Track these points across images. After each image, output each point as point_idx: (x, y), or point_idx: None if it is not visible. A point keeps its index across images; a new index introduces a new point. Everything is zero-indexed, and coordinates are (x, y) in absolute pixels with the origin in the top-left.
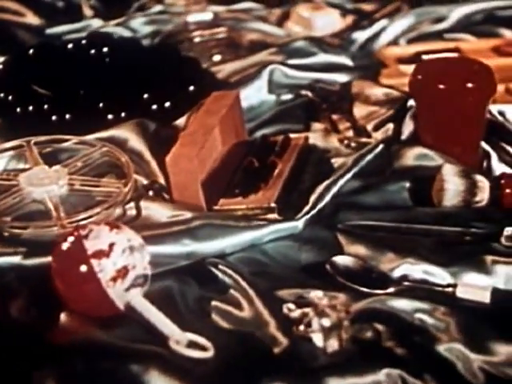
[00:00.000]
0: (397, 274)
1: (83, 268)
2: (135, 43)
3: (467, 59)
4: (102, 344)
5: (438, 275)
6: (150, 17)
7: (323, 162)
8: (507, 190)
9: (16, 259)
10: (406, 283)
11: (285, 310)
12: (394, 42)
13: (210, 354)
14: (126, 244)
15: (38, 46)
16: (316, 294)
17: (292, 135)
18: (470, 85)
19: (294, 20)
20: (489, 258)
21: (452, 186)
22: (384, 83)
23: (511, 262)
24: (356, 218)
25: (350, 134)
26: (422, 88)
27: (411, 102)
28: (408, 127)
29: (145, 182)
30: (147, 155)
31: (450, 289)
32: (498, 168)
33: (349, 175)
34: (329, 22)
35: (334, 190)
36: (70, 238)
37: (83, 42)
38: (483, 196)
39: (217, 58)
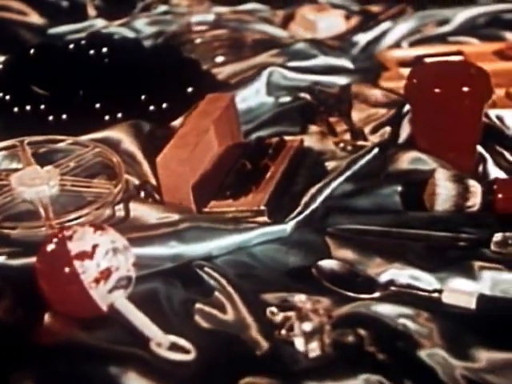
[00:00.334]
0: (383, 278)
1: (66, 269)
2: (136, 44)
3: (463, 63)
4: (83, 345)
5: (425, 280)
6: (154, 17)
7: (318, 164)
8: (500, 196)
9: (1, 259)
10: (392, 288)
11: (268, 314)
12: (397, 45)
13: (191, 356)
14: (110, 246)
15: (38, 46)
16: (299, 298)
17: (287, 138)
18: (465, 88)
19: (297, 22)
20: (476, 264)
21: (444, 190)
22: (384, 86)
23: (498, 268)
24: (346, 221)
25: (347, 136)
26: (417, 92)
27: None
28: (405, 131)
29: (137, 183)
30: (140, 156)
31: (435, 294)
32: (494, 173)
33: (341, 178)
34: (333, 24)
35: (326, 193)
36: (55, 239)
37: (82, 42)
38: (475, 201)
39: (220, 59)
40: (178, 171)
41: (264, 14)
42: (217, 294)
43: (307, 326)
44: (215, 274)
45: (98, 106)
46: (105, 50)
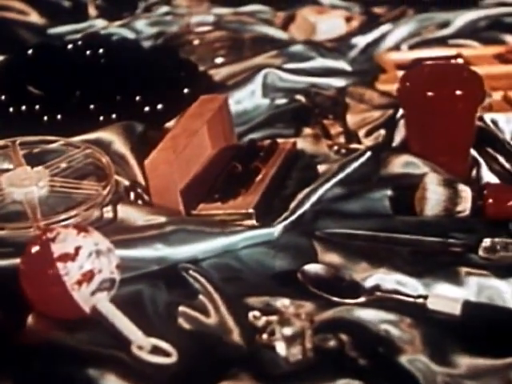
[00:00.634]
0: (369, 283)
1: (49, 271)
2: (133, 45)
3: (456, 66)
4: (64, 347)
5: (411, 286)
6: (154, 18)
7: (310, 167)
8: (490, 201)
9: None
10: (378, 293)
11: (250, 318)
12: (396, 48)
13: (172, 359)
14: (93, 248)
15: (37, 46)
16: (282, 302)
17: (280, 140)
18: (459, 92)
19: (298, 23)
20: (463, 270)
21: (433, 195)
22: (380, 89)
23: (485, 274)
24: (335, 225)
25: (341, 139)
26: (410, 95)
27: None
28: (400, 134)
29: (127, 184)
30: (130, 158)
31: (421, 300)
32: (488, 177)
33: (332, 182)
34: (333, 26)
35: (315, 196)
36: (38, 241)
37: (79, 43)
38: (466, 206)
39: (219, 60)
40: (166, 173)
41: (265, 16)
42: (201, 297)
43: (288, 331)
44: (199, 277)
45: (92, 106)
46: (101, 50)
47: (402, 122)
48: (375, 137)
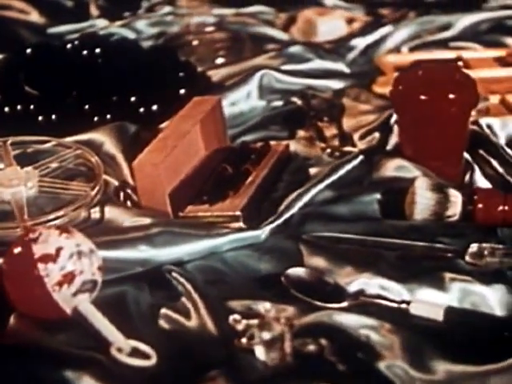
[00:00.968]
0: (353, 288)
1: (30, 272)
2: (130, 45)
3: (449, 69)
4: (44, 348)
5: (395, 291)
6: (155, 18)
7: (302, 170)
8: (479, 206)
9: None
10: (360, 298)
11: (231, 321)
12: (397, 50)
13: (151, 362)
14: (75, 249)
15: (35, 46)
16: (264, 306)
17: (272, 143)
18: (452, 95)
19: (299, 25)
20: (448, 275)
21: (423, 199)
22: (377, 91)
23: (469, 280)
24: (323, 228)
25: (336, 142)
26: (403, 99)
27: None
28: (395, 137)
29: (116, 185)
30: (121, 159)
31: (404, 305)
32: (481, 182)
33: (322, 185)
34: (334, 27)
35: (304, 199)
36: (21, 241)
37: (75, 43)
38: (455, 211)
39: (220, 60)
40: (153, 175)
41: (266, 17)
42: (183, 299)
43: (266, 335)
44: (182, 280)
45: (87, 107)
46: (98, 50)
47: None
48: (369, 140)
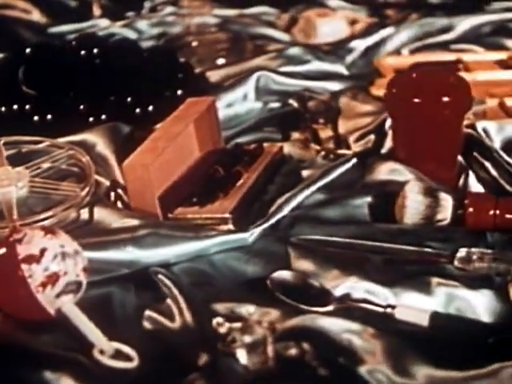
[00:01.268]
0: (339, 291)
1: (14, 272)
2: (130, 45)
3: (443, 72)
4: (26, 349)
5: (381, 295)
6: (157, 19)
7: (295, 173)
8: (470, 210)
9: None
10: (346, 302)
11: (214, 324)
12: (397, 52)
13: (132, 364)
14: (59, 250)
15: (35, 46)
16: (247, 309)
17: (266, 144)
18: (445, 98)
19: (301, 26)
20: (434, 280)
21: (413, 203)
22: (374, 94)
23: (456, 285)
24: (312, 231)
25: (331, 145)
26: (396, 102)
27: None
28: (390, 140)
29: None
30: (112, 160)
31: (389, 310)
32: (475, 186)
33: (313, 188)
34: (335, 29)
35: (295, 202)
36: (5, 242)
37: (73, 43)
38: (446, 215)
39: (221, 61)
40: (143, 176)
41: (269, 18)
42: (168, 301)
43: (248, 339)
44: (168, 282)
45: (82, 107)
46: (96, 50)
47: None
48: (365, 142)
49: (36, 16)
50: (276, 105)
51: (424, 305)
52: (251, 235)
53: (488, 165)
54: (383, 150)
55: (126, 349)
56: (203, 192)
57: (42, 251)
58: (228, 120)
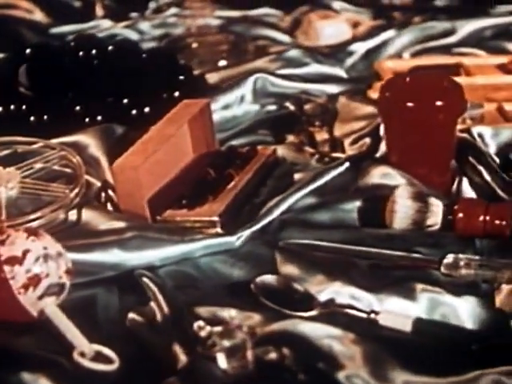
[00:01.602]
0: (323, 296)
1: None
2: (129, 46)
3: (436, 76)
4: (6, 350)
5: (365, 300)
6: (160, 20)
7: (287, 176)
8: (460, 215)
9: None
10: (330, 307)
11: (195, 328)
12: (398, 55)
13: (112, 367)
14: (41, 252)
15: (34, 46)
16: (229, 313)
17: (260, 147)
18: (439, 102)
19: (303, 28)
20: (419, 286)
21: (402, 208)
22: (372, 97)
23: (440, 291)
24: (300, 235)
25: (326, 148)
26: (389, 106)
27: None
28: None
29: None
30: (104, 162)
31: (372, 315)
32: (469, 191)
33: (304, 191)
34: (338, 31)
35: (285, 206)
36: None
37: (71, 43)
38: (436, 220)
39: (223, 63)
40: (132, 178)
41: (272, 19)
42: (151, 304)
43: (227, 343)
44: (151, 284)
45: (78, 108)
46: (94, 52)
47: None
48: (360, 146)
49: (38, 16)
50: (273, 107)
51: (408, 311)
52: (238, 239)
53: (482, 169)
54: (378, 154)
55: (107, 351)
56: (193, 194)
57: (25, 253)
58: (225, 122)
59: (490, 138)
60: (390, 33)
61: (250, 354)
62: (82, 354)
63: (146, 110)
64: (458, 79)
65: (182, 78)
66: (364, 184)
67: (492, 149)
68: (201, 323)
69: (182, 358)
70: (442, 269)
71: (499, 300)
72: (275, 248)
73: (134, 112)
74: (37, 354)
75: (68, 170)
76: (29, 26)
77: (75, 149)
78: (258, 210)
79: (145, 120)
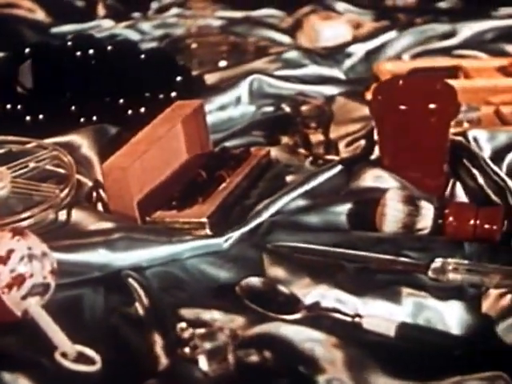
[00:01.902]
0: (309, 299)
1: None
2: (128, 46)
3: (430, 78)
4: None
5: (350, 304)
6: (162, 20)
7: (280, 178)
8: (450, 219)
9: None
10: (315, 310)
11: (178, 330)
12: (398, 57)
13: (94, 368)
14: (26, 252)
15: (34, 46)
16: (212, 315)
17: (253, 148)
18: (432, 105)
19: (304, 29)
20: (405, 290)
21: (392, 211)
22: (369, 99)
23: (426, 295)
24: (289, 238)
25: (320, 150)
26: (382, 109)
27: None
28: None
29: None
30: (96, 162)
31: (357, 319)
32: (463, 194)
33: (295, 193)
34: (338, 33)
35: (275, 208)
36: None
37: (69, 43)
38: (426, 224)
39: (223, 63)
40: (121, 179)
41: (273, 21)
42: (136, 305)
43: (208, 345)
44: (137, 285)
45: (73, 108)
46: (91, 52)
47: None
48: (354, 148)
49: (40, 15)
50: (269, 109)
51: (393, 315)
52: (227, 240)
53: (476, 173)
54: (372, 157)
55: (90, 352)
56: (183, 196)
57: (9, 253)
58: (221, 123)
59: (485, 142)
60: (390, 34)
61: (231, 357)
62: (64, 355)
63: (142, 110)
64: (456, 82)
65: (179, 78)
66: (356, 187)
67: (487, 152)
68: (183, 325)
69: (163, 359)
70: (430, 273)
71: (486, 305)
72: (263, 250)
73: (129, 112)
74: (18, 354)
75: (60, 170)
76: (29, 26)
77: (68, 149)
78: (248, 212)
79: (140, 120)
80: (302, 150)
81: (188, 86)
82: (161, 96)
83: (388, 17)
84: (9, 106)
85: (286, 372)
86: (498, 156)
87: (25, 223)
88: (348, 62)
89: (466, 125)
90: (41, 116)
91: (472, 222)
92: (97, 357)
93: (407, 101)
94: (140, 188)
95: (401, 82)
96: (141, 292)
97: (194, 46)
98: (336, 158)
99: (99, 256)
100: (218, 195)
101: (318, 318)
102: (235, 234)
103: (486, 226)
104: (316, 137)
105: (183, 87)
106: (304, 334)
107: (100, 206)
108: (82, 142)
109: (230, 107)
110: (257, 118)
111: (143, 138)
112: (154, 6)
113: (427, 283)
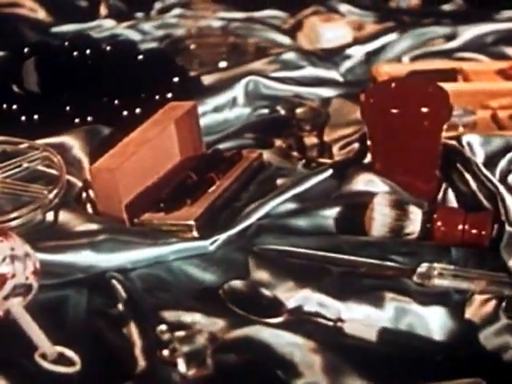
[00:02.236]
0: (291, 303)
1: None
2: (126, 47)
3: (422, 82)
4: None
5: (333, 308)
6: (163, 20)
7: (271, 181)
8: (438, 224)
9: None
10: (297, 314)
11: (158, 332)
12: (398, 59)
13: (73, 369)
14: (8, 252)
15: (33, 45)
16: (193, 318)
17: (245, 151)
18: (424, 109)
19: (305, 31)
20: (388, 295)
21: (380, 215)
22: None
23: (409, 300)
24: (276, 241)
25: (314, 153)
26: (374, 112)
27: None
28: None
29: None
30: (86, 163)
31: (338, 323)
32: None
33: (284, 197)
34: (339, 34)
35: (263, 211)
36: None
37: (66, 43)
38: (414, 228)
39: (223, 64)
40: (109, 180)
41: (275, 22)
42: (119, 306)
43: (186, 348)
44: (120, 287)
45: (68, 108)
46: (88, 52)
47: None
48: (348, 151)
49: (42, 15)
50: (265, 110)
51: (375, 319)
52: (212, 243)
53: (469, 178)
54: (365, 160)
55: (70, 353)
56: (171, 198)
57: None
58: (216, 125)
59: (478, 147)
60: (390, 37)
61: (210, 360)
62: (43, 356)
63: (137, 111)
64: (454, 85)
65: (176, 79)
66: (347, 190)
67: (480, 157)
68: (163, 327)
69: (142, 361)
70: (415, 278)
71: (469, 311)
72: (249, 253)
73: (124, 113)
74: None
75: (51, 171)
76: (30, 25)
77: (61, 149)
78: (237, 215)
79: (135, 121)
80: (295, 153)
81: (185, 87)
82: (157, 97)
83: (391, 19)
84: (5, 106)
85: (264, 376)
86: (491, 161)
87: (13, 223)
88: (347, 64)
89: (461, 129)
90: (35, 116)
91: (460, 226)
92: (76, 358)
93: (399, 104)
94: (129, 189)
95: (393, 85)
96: (123, 294)
97: (193, 46)
98: (329, 161)
99: (84, 257)
100: (207, 198)
101: (299, 322)
102: (222, 237)
103: (475, 231)
104: (310, 139)
105: (180, 88)
106: (284, 338)
107: (89, 208)
108: (75, 142)
109: (226, 109)
110: (251, 120)
111: (134, 140)
112: (157, 6)
113: (411, 288)
